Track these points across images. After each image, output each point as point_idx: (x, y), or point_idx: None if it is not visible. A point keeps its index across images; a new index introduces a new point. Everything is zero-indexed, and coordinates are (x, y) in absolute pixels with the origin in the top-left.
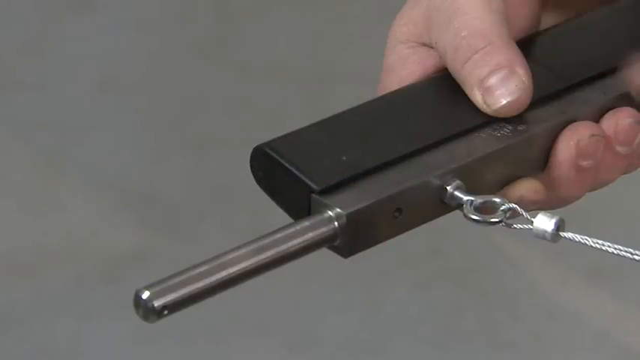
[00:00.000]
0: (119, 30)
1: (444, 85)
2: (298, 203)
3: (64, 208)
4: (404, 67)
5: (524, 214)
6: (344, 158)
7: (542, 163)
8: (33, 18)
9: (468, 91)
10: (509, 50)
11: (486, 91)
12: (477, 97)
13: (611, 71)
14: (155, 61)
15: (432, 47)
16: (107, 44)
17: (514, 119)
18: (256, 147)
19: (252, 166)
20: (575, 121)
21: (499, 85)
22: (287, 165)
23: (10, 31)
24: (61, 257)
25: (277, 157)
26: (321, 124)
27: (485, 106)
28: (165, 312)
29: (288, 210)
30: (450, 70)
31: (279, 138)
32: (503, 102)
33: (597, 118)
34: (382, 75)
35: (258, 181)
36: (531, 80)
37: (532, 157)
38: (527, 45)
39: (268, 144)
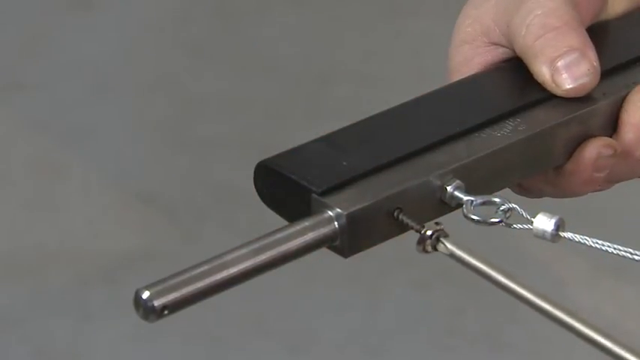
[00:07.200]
0: (119, 30)
1: (446, 87)
2: (302, 211)
3: (64, 209)
4: (468, 69)
5: (523, 214)
6: (344, 163)
7: (543, 162)
8: (33, 18)
9: (536, 67)
10: (582, 33)
11: (556, 71)
12: (545, 74)
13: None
14: (155, 61)
15: (498, 45)
16: (107, 44)
17: (514, 119)
18: (258, 163)
19: (256, 184)
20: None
21: (570, 68)
22: (288, 174)
23: (10, 31)
24: (61, 257)
25: (278, 169)
26: (321, 139)
27: (553, 86)
28: (166, 312)
29: (294, 220)
30: (519, 48)
31: (280, 153)
32: (573, 85)
33: (597, 123)
34: (448, 76)
35: (263, 198)
36: (599, 65)
37: (532, 157)
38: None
39: (269, 159)
